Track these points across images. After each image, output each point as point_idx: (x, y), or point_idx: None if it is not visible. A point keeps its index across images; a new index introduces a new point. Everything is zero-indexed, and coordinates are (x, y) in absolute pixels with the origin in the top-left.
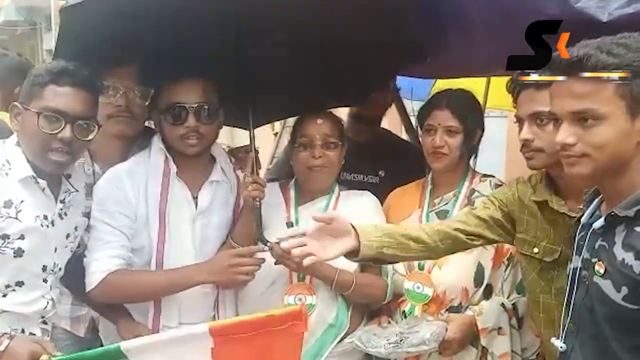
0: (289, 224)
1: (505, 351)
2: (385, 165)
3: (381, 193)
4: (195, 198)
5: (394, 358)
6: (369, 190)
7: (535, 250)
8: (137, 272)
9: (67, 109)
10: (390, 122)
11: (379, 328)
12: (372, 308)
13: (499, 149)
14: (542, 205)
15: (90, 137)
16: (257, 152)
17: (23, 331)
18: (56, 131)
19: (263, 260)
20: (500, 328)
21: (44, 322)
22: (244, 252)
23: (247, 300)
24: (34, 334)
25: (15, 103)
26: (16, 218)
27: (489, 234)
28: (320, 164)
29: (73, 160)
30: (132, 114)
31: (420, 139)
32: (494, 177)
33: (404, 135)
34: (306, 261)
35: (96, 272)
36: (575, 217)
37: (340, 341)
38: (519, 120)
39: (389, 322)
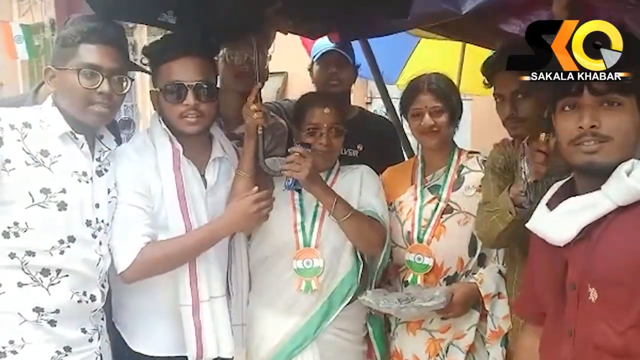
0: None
1: (506, 313)
2: (363, 140)
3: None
4: (202, 176)
5: (403, 316)
6: (349, 163)
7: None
8: (165, 241)
9: (102, 64)
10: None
11: (386, 291)
12: (371, 254)
13: (465, 130)
14: None
15: (125, 91)
16: (262, 84)
17: (85, 294)
18: (95, 86)
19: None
20: (499, 293)
21: (102, 286)
22: (263, 196)
23: (257, 268)
24: (95, 297)
25: (49, 66)
26: (49, 169)
27: None
28: (327, 150)
29: (112, 113)
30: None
31: (409, 123)
32: (479, 153)
33: None
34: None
35: (127, 252)
36: None
37: (349, 303)
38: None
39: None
